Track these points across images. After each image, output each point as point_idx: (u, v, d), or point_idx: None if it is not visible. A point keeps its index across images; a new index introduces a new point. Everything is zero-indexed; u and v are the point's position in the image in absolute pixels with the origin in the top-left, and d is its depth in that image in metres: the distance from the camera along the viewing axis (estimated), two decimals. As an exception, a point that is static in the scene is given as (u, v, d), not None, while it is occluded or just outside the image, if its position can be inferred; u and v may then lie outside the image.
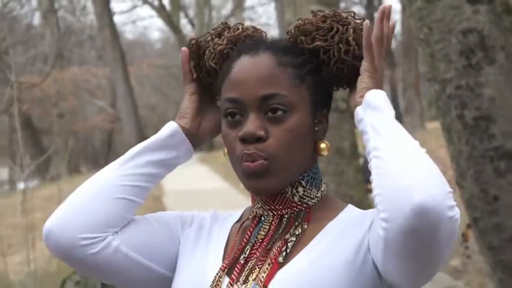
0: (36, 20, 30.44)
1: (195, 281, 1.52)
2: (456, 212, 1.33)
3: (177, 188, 17.15)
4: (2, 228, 6.73)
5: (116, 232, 1.58)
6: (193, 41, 1.61)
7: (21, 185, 8.15)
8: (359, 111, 1.46)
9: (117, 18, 40.51)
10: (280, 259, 1.46)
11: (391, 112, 1.44)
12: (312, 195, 1.53)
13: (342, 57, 1.51)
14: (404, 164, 1.36)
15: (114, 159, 1.66)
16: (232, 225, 1.64)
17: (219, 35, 1.58)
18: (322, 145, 1.55)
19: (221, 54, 1.55)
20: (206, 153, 28.41)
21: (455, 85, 5.39)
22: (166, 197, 16.39)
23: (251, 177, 1.46)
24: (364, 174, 13.50)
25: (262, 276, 1.45)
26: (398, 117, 1.44)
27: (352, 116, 1.50)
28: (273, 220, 1.53)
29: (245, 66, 1.50)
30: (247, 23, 1.60)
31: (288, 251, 1.47)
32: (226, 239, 1.61)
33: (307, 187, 1.53)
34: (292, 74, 1.49)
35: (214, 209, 1.73)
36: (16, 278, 6.64)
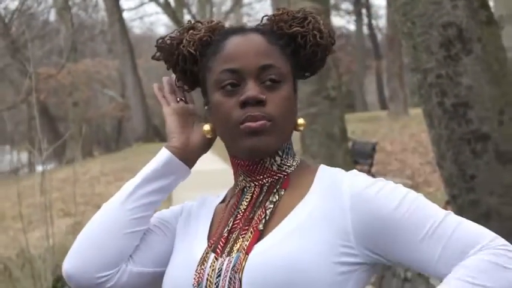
0: (52, 16, 30.33)
1: (184, 264, 1.51)
2: None
3: (182, 170, 17.12)
4: (23, 207, 6.72)
5: (127, 259, 1.59)
6: (161, 40, 1.63)
7: (39, 168, 8.14)
8: None
9: (126, 15, 40.43)
10: (260, 226, 1.46)
11: None
12: (288, 163, 1.54)
13: (317, 41, 1.54)
14: None
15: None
16: (217, 206, 1.64)
17: (192, 28, 1.60)
18: (301, 120, 1.57)
19: (201, 41, 1.56)
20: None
21: (435, 74, 5.39)
22: (171, 178, 16.35)
23: (253, 135, 1.46)
24: (353, 156, 13.53)
25: (245, 245, 1.44)
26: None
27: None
28: (254, 190, 1.53)
29: (240, 42, 1.51)
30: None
31: (267, 218, 1.47)
32: (210, 219, 1.61)
33: (284, 156, 1.54)
34: (280, 51, 1.52)
35: (207, 193, 1.74)
36: (36, 252, 6.65)
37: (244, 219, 1.50)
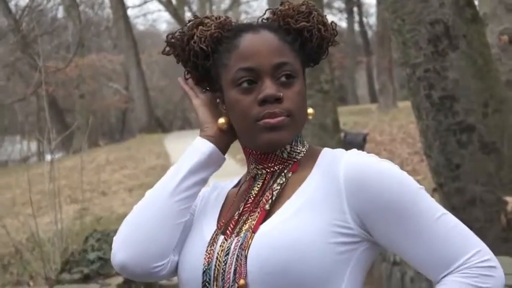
0: (60, 13, 30.26)
1: (195, 246, 1.52)
2: None
3: (183, 159, 17.09)
4: (33, 194, 6.72)
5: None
6: (171, 36, 1.61)
7: (48, 157, 8.14)
8: None
9: (130, 12, 40.32)
10: (267, 206, 1.46)
11: None
12: (298, 150, 1.54)
13: (322, 34, 1.54)
14: None
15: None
16: (229, 190, 1.65)
17: (201, 24, 1.57)
18: (310, 110, 1.57)
19: (212, 38, 1.54)
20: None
21: (424, 69, 5.39)
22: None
23: (271, 130, 1.46)
24: (345, 146, 13.54)
25: (253, 224, 1.45)
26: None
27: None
28: (266, 176, 1.53)
29: (254, 40, 1.50)
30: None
31: (274, 198, 1.47)
32: (222, 203, 1.62)
33: (293, 144, 1.54)
34: (290, 47, 1.52)
35: (216, 180, 1.72)
36: (45, 236, 6.64)
37: (254, 202, 1.51)
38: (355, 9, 40.05)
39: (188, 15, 37.59)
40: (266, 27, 1.53)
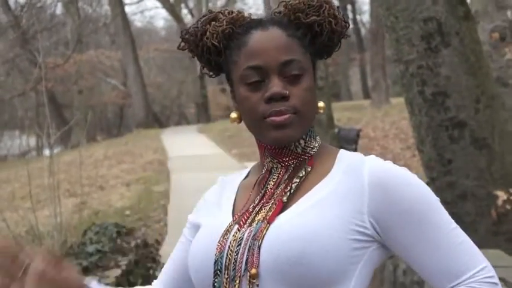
0: (59, 10, 30.20)
1: (209, 236, 1.50)
2: None
3: (179, 154, 17.08)
4: (32, 188, 6.71)
5: None
6: (185, 32, 1.58)
7: (46, 151, 8.12)
8: None
9: (127, 9, 40.27)
10: (284, 198, 1.46)
11: None
12: (311, 145, 1.53)
13: (333, 28, 1.51)
14: None
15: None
16: (240, 183, 1.63)
17: (214, 19, 1.55)
18: (321, 104, 1.54)
19: (223, 34, 1.53)
20: (204, 125, 28.34)
21: (417, 65, 5.40)
22: (170, 161, 16.35)
23: (278, 128, 1.45)
24: (338, 141, 13.54)
25: (268, 215, 1.44)
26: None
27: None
28: (281, 170, 1.52)
29: (261, 38, 1.48)
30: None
31: (292, 191, 1.47)
32: (234, 196, 1.60)
33: (307, 139, 1.52)
34: (299, 43, 1.49)
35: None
36: (44, 229, 6.64)
37: (270, 195, 1.50)
38: (349, 6, 40.06)
39: (185, 12, 37.59)
40: (275, 24, 1.51)
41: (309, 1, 1.51)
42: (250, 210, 1.49)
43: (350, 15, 40.43)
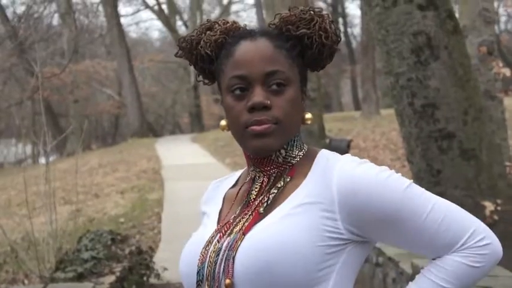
0: (55, 21, 30.20)
1: (195, 245, 1.52)
2: None
3: (173, 163, 17.07)
4: (28, 195, 6.69)
5: None
6: (182, 39, 1.60)
7: (42, 159, 8.11)
8: None
9: (123, 20, 40.22)
10: (261, 210, 1.46)
11: None
12: (293, 155, 1.53)
13: (323, 41, 1.51)
14: None
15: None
16: (227, 191, 1.64)
17: (210, 29, 1.57)
18: (308, 115, 1.55)
19: (216, 43, 1.54)
20: (197, 134, 28.33)
21: (406, 78, 5.42)
22: (163, 170, 16.34)
23: (258, 137, 1.45)
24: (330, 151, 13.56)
25: (244, 225, 1.45)
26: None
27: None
28: (263, 180, 1.53)
29: (248, 48, 1.49)
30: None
31: (269, 202, 1.47)
32: (221, 204, 1.62)
33: (288, 149, 1.52)
34: (286, 55, 1.50)
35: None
36: (40, 236, 6.62)
37: (250, 206, 1.50)
38: (340, 19, 40.20)
39: (179, 23, 37.63)
40: (264, 34, 1.52)
41: (301, 14, 1.52)
42: (231, 221, 1.50)
43: (341, 28, 40.58)
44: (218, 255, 1.44)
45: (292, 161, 1.53)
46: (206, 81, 1.62)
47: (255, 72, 1.47)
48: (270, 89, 1.47)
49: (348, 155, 1.49)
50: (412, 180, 1.48)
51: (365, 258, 1.52)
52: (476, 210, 5.33)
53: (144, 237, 9.32)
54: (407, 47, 5.39)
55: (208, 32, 1.56)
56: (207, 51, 1.54)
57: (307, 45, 1.52)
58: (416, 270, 4.89)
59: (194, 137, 26.86)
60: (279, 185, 1.50)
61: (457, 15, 6.76)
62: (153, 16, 38.53)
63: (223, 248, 1.44)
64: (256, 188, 1.53)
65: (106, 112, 35.00)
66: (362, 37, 25.62)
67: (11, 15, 20.88)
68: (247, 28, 1.58)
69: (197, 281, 1.46)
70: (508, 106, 9.73)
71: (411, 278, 5.05)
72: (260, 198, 1.50)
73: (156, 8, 34.86)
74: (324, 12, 1.55)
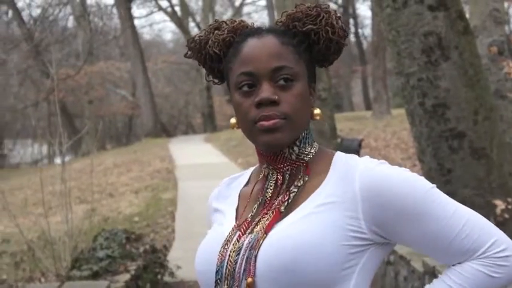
0: (70, 23, 30.32)
1: (213, 243, 1.50)
2: None
3: (186, 163, 17.10)
4: (44, 195, 6.73)
5: None
6: (191, 40, 1.59)
7: (58, 160, 8.14)
8: None
9: (137, 22, 40.38)
10: (282, 208, 1.45)
11: None
12: (306, 152, 1.52)
13: (329, 36, 1.50)
14: None
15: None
16: (241, 189, 1.63)
17: (218, 28, 1.57)
18: (317, 111, 1.54)
19: (224, 42, 1.53)
20: (210, 134, 28.36)
21: (417, 78, 5.41)
22: (177, 170, 16.37)
23: (267, 132, 1.44)
24: (341, 151, 13.52)
25: (265, 224, 1.44)
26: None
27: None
28: (277, 177, 1.52)
29: (256, 45, 1.49)
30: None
31: (290, 201, 1.46)
32: (236, 203, 1.60)
33: (301, 146, 1.52)
34: (293, 51, 1.49)
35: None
36: (56, 235, 6.65)
37: (268, 204, 1.49)
38: (351, 20, 40.14)
39: (192, 25, 37.66)
40: (271, 31, 1.51)
41: (307, 10, 1.51)
42: (249, 219, 1.49)
43: (352, 28, 40.50)
44: (238, 254, 1.43)
45: (305, 158, 1.52)
46: (216, 80, 1.62)
47: (262, 68, 1.46)
48: (278, 84, 1.46)
49: (366, 157, 1.49)
50: (435, 185, 1.46)
51: (382, 260, 1.52)
52: (487, 209, 5.32)
53: (158, 236, 9.35)
54: (418, 48, 5.37)
55: (216, 32, 1.56)
56: (215, 51, 1.54)
57: (314, 41, 1.51)
58: (427, 269, 4.88)
59: (207, 137, 26.90)
60: (299, 184, 1.48)
61: (467, 15, 6.73)
62: (166, 18, 38.60)
63: (244, 247, 1.43)
64: (271, 186, 1.52)
65: (120, 113, 35.10)
66: (373, 37, 25.56)
67: (27, 17, 20.96)
68: (255, 26, 1.58)
69: (216, 280, 1.44)
70: (518, 105, 9.67)
71: (423, 276, 5.05)
72: (280, 197, 1.48)
73: (169, 9, 34.92)
74: (331, 9, 1.53)
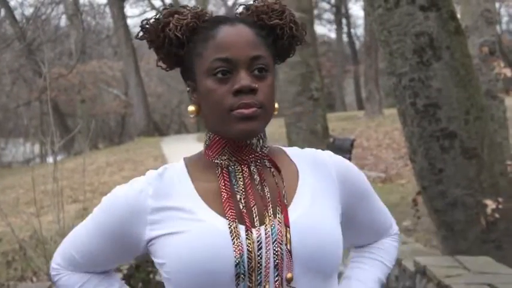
0: (63, 22, 30.25)
1: (212, 237, 1.41)
2: None
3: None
4: (36, 194, 6.70)
5: None
6: (146, 21, 1.53)
7: (50, 159, 8.12)
8: None
9: (129, 21, 40.31)
10: (285, 201, 1.46)
11: None
12: (265, 145, 1.53)
13: (293, 33, 1.52)
14: None
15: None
16: (195, 184, 1.50)
17: (177, 13, 1.51)
18: (276, 105, 1.53)
19: (187, 27, 1.49)
20: (203, 133, 28.32)
21: (409, 78, 5.42)
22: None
23: (245, 120, 1.43)
24: (333, 151, 13.54)
25: (279, 218, 1.43)
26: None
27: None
28: (243, 170, 1.49)
29: (231, 32, 1.47)
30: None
31: (285, 193, 1.48)
32: (199, 198, 1.48)
33: (263, 138, 1.53)
34: (264, 42, 1.49)
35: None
36: (48, 234, 6.63)
37: (254, 196, 1.46)
38: (344, 20, 40.19)
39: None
40: (242, 21, 1.50)
41: (272, 5, 1.52)
42: (244, 211, 1.44)
43: (345, 28, 40.57)
44: (260, 247, 1.40)
45: (265, 151, 1.52)
46: (164, 66, 1.57)
47: (240, 55, 1.45)
48: (253, 73, 1.45)
49: (313, 149, 1.62)
50: None
51: None
52: (478, 209, 5.33)
53: (150, 235, 9.32)
54: (409, 48, 5.38)
55: (176, 16, 1.51)
56: (178, 34, 1.49)
57: (279, 35, 1.52)
58: (418, 268, 4.89)
59: (199, 136, 26.89)
60: (275, 175, 1.50)
61: (459, 15, 6.75)
62: (159, 17, 38.54)
63: (264, 240, 1.41)
64: (240, 177, 1.48)
65: (113, 112, 35.06)
66: (365, 38, 25.61)
67: (19, 16, 20.89)
68: (221, 15, 1.56)
69: (237, 274, 1.38)
70: (509, 106, 9.71)
71: (414, 275, 5.06)
72: (269, 189, 1.47)
73: (162, 9, 34.93)
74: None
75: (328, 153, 1.60)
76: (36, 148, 30.64)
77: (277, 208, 1.45)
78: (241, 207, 1.45)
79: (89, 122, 24.68)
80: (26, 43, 11.24)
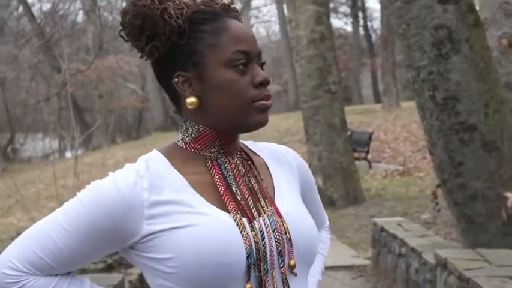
0: (79, 17, 30.38)
1: (221, 230, 1.40)
2: None
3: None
4: (56, 188, 6.77)
5: None
6: (142, 4, 1.44)
7: (68, 154, 8.18)
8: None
9: (145, 16, 40.22)
10: (270, 193, 1.53)
11: None
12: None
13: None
14: None
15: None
16: (186, 177, 1.46)
17: (170, 1, 1.46)
18: None
19: (188, 18, 1.46)
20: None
21: (428, 71, 5.41)
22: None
23: (264, 111, 1.48)
24: (351, 144, 13.54)
25: (270, 210, 1.48)
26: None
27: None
28: (229, 162, 1.50)
29: (242, 26, 1.50)
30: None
31: (267, 186, 1.55)
32: (194, 191, 1.45)
33: None
34: None
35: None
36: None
37: (245, 187, 1.49)
38: (360, 13, 40.03)
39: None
40: (235, 18, 1.54)
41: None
42: (242, 202, 1.45)
43: (361, 21, 40.41)
44: (263, 238, 1.43)
45: (241, 145, 1.58)
46: (145, 55, 1.52)
47: (254, 49, 1.48)
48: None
49: (264, 142, 1.68)
50: None
51: None
52: (498, 201, 5.32)
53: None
54: (428, 41, 5.37)
55: (171, 4, 1.46)
56: (179, 22, 1.45)
57: None
58: (439, 260, 4.89)
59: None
60: (253, 167, 1.55)
61: (477, 8, 6.71)
62: (175, 12, 38.55)
63: (265, 229, 1.44)
64: (228, 169, 1.50)
65: (130, 107, 35.19)
66: (382, 30, 25.49)
67: (37, 13, 21.03)
68: (211, 9, 1.51)
69: (248, 265, 1.39)
70: (528, 98, 9.65)
71: (434, 268, 5.06)
72: (254, 182, 1.51)
73: None
74: None
75: (282, 146, 1.68)
76: (55, 143, 30.84)
77: (265, 200, 1.49)
78: (239, 198, 1.46)
79: (107, 117, 24.81)
80: (45, 39, 11.32)
